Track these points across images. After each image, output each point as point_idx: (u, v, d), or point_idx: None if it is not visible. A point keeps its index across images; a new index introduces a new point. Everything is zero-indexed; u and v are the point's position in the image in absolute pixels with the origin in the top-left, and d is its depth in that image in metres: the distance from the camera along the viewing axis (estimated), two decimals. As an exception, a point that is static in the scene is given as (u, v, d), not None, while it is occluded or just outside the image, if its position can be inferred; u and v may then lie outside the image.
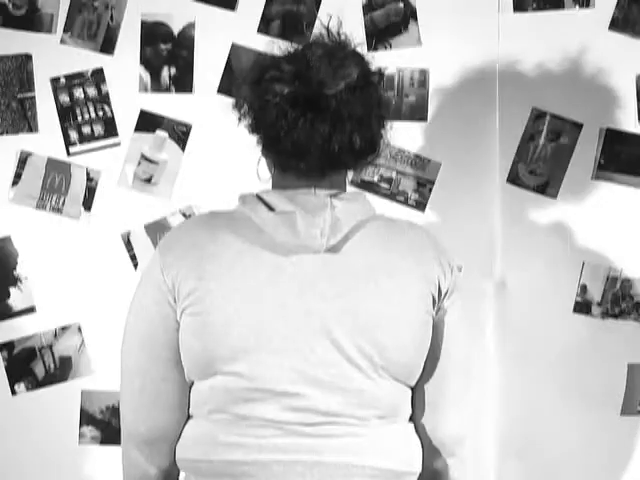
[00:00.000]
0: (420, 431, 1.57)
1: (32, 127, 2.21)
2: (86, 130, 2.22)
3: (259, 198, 1.51)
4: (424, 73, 2.22)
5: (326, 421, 1.46)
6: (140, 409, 1.54)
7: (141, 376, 1.53)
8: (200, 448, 1.49)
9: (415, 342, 1.51)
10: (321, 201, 1.48)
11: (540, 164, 2.22)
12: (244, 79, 1.55)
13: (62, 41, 2.21)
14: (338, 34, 1.54)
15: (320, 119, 1.46)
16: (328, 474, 1.45)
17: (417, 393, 1.57)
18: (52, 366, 2.21)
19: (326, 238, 1.46)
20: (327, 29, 1.54)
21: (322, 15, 2.17)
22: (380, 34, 2.22)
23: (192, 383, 1.54)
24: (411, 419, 1.57)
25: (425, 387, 1.57)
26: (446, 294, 1.55)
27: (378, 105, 1.54)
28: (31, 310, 2.21)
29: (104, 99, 2.22)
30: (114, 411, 2.19)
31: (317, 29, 1.56)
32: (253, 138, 1.54)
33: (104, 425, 2.20)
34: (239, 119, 1.55)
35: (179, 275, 1.49)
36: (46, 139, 2.21)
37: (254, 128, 1.54)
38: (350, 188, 1.58)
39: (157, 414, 1.53)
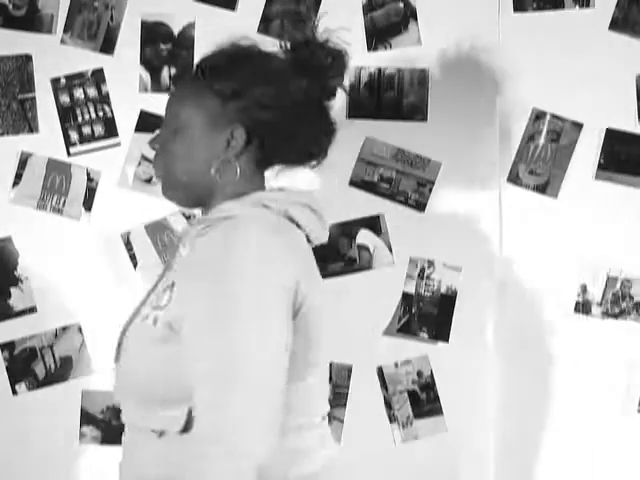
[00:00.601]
0: None
1: (32, 128, 2.21)
2: (86, 130, 2.22)
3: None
4: (424, 73, 2.22)
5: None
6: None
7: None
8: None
9: None
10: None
11: (540, 164, 2.22)
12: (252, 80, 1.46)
13: (62, 41, 2.22)
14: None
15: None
16: None
17: None
18: (53, 366, 2.21)
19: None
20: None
21: (322, 15, 2.18)
22: (380, 34, 2.22)
23: None
24: None
25: None
26: None
27: None
28: (32, 310, 2.21)
29: (104, 99, 2.22)
30: (114, 411, 2.20)
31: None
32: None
33: (104, 425, 2.20)
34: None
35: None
36: (46, 140, 2.21)
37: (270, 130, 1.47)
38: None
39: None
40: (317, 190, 2.11)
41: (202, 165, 1.46)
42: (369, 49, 2.21)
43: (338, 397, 2.19)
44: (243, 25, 2.22)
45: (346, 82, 1.52)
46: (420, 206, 2.22)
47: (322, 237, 1.51)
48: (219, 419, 1.26)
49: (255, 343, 1.29)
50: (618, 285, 2.21)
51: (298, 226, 1.45)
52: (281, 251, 1.35)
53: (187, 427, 1.34)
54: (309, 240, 1.48)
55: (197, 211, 2.18)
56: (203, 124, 1.45)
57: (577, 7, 2.20)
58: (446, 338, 2.21)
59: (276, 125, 1.45)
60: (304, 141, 1.49)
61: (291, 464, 1.37)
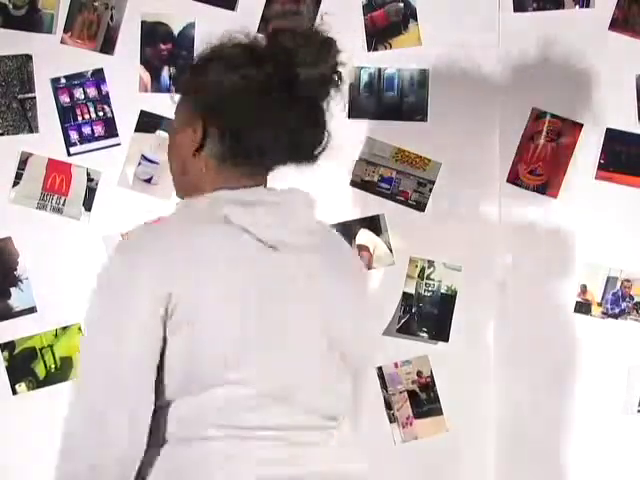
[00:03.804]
0: None
1: (33, 128, 2.21)
2: (86, 130, 2.22)
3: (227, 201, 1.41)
4: (424, 73, 2.22)
5: (326, 425, 1.43)
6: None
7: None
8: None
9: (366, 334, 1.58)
10: (303, 199, 1.45)
11: (540, 164, 2.22)
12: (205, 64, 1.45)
13: (62, 41, 2.22)
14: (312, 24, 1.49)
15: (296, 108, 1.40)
16: None
17: None
18: (53, 366, 2.21)
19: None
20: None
21: (322, 15, 2.19)
22: (380, 34, 2.22)
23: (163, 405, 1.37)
24: None
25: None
26: None
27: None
28: (32, 310, 2.21)
29: (104, 99, 2.22)
30: (115, 411, 2.20)
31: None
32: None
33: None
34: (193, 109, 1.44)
35: (174, 282, 1.33)
36: (46, 140, 2.21)
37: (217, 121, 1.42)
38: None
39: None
40: (316, 190, 2.11)
41: (180, 165, 1.47)
42: (369, 49, 2.21)
43: (338, 397, 2.19)
44: (243, 25, 2.22)
45: (339, 77, 1.43)
46: (420, 206, 2.22)
47: (285, 238, 1.40)
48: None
49: (89, 350, 1.37)
50: (618, 285, 2.21)
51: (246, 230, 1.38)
52: (149, 259, 1.35)
53: None
54: (263, 242, 1.38)
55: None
56: (178, 126, 1.47)
57: (577, 7, 2.20)
58: (446, 338, 2.21)
59: (231, 115, 1.41)
60: (266, 133, 1.40)
61: (176, 475, 1.35)
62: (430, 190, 2.22)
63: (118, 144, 2.23)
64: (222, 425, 1.35)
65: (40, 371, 2.21)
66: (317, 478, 1.38)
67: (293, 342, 1.39)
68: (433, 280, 2.21)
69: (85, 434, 1.38)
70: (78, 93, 2.22)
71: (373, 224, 2.21)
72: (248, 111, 1.40)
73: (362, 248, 2.21)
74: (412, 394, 2.21)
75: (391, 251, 2.21)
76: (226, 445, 1.35)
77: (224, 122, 1.41)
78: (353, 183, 2.20)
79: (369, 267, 2.20)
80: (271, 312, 1.37)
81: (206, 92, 1.42)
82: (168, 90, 2.23)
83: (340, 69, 1.44)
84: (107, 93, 2.22)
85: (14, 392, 2.21)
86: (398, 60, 2.22)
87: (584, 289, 2.21)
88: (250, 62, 1.41)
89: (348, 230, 2.19)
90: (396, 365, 2.21)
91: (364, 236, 2.21)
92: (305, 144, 1.44)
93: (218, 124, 1.41)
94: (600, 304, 2.21)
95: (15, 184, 2.21)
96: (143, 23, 2.22)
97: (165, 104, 2.20)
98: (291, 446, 1.37)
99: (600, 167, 2.21)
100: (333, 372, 1.43)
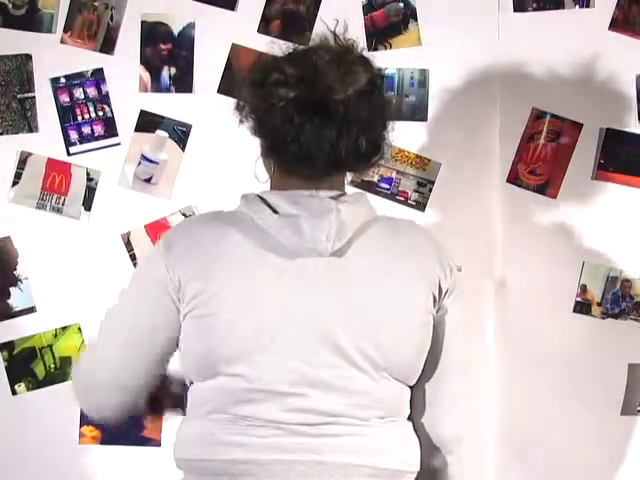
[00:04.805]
0: (419, 429, 1.57)
1: (32, 127, 2.21)
2: (86, 130, 2.22)
3: (261, 199, 1.51)
4: (424, 73, 2.22)
5: (327, 421, 1.46)
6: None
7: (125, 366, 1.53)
8: (199, 448, 1.49)
9: (416, 342, 1.51)
10: (325, 205, 1.47)
11: (540, 164, 2.22)
12: (246, 81, 1.53)
13: (62, 41, 2.21)
14: (344, 38, 1.53)
15: (327, 124, 1.45)
16: (328, 473, 1.45)
17: (416, 392, 1.57)
18: (52, 366, 2.21)
19: (332, 242, 1.45)
20: (334, 33, 1.54)
21: (322, 15, 2.19)
22: (380, 34, 2.22)
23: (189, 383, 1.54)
24: (409, 417, 1.57)
25: (425, 386, 1.57)
26: (446, 293, 1.55)
27: (383, 108, 1.54)
28: (31, 310, 2.21)
29: (104, 99, 2.22)
30: (114, 411, 2.20)
31: (319, 31, 1.56)
32: (253, 139, 1.54)
33: (105, 425, 2.20)
34: (240, 121, 1.55)
35: (185, 275, 1.47)
36: (46, 139, 2.21)
37: (257, 131, 1.53)
38: (350, 189, 1.58)
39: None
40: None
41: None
42: (369, 49, 2.21)
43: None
44: (243, 25, 2.23)
45: (376, 87, 1.50)
46: (420, 206, 2.22)
47: (293, 244, 1.46)
48: None
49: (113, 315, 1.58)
50: (618, 285, 2.21)
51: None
52: (171, 249, 1.50)
53: None
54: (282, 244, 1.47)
55: (197, 210, 2.20)
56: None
57: (577, 7, 2.20)
58: (446, 338, 2.21)
59: (256, 128, 1.53)
60: (300, 150, 1.47)
61: (195, 445, 1.49)
62: (430, 190, 2.22)
63: (118, 144, 2.23)
64: (219, 411, 1.47)
65: (40, 371, 2.21)
66: (301, 466, 1.44)
67: (290, 343, 1.45)
68: (433, 280, 2.20)
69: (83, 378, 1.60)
70: (78, 93, 2.22)
71: (373, 224, 2.21)
72: (279, 131, 1.47)
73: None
74: (412, 394, 2.21)
75: (391, 251, 2.21)
76: (216, 426, 1.47)
77: (261, 140, 1.52)
78: (353, 183, 2.20)
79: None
80: (276, 312, 1.46)
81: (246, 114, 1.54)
82: (168, 90, 2.23)
83: (377, 80, 1.51)
84: (107, 93, 2.22)
85: (14, 392, 2.21)
86: (398, 60, 2.22)
87: (584, 289, 2.21)
88: (278, 85, 1.46)
89: (348, 230, 2.18)
90: (396, 365, 2.21)
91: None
92: (342, 154, 1.48)
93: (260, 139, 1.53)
94: (600, 304, 2.21)
95: (14, 184, 2.21)
96: (143, 23, 2.22)
97: (165, 104, 2.23)
98: (282, 436, 1.45)
99: (600, 167, 2.21)
100: (340, 373, 1.46)
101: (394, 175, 2.22)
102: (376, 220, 1.54)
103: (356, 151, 1.49)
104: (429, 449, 1.59)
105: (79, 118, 2.22)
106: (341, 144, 1.46)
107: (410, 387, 1.55)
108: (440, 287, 1.54)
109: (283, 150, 1.48)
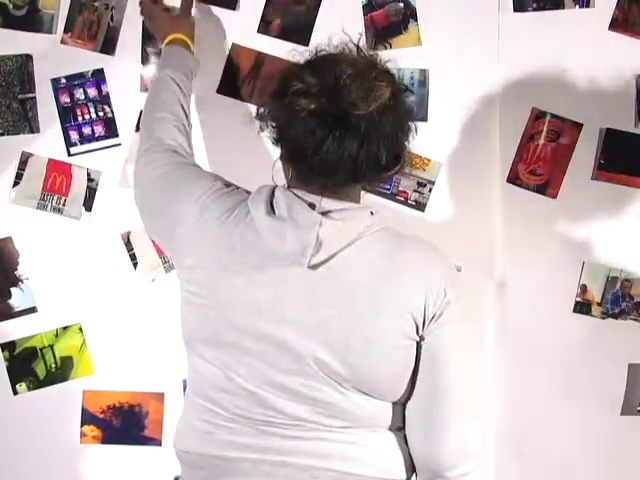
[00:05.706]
0: (414, 447, 1.57)
1: (33, 128, 2.21)
2: (87, 130, 2.22)
3: (272, 194, 1.52)
4: (424, 73, 2.22)
5: (293, 424, 1.48)
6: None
7: None
8: (189, 440, 1.57)
9: (389, 363, 1.50)
10: (311, 218, 1.47)
11: (540, 164, 2.22)
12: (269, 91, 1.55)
13: (62, 41, 2.22)
14: (367, 51, 1.54)
15: (349, 138, 1.45)
16: (293, 474, 1.47)
17: (408, 411, 1.57)
18: (53, 366, 2.21)
19: (309, 256, 1.46)
20: (357, 46, 1.54)
21: (323, 15, 2.19)
22: (380, 34, 2.22)
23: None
24: (400, 430, 1.58)
25: (416, 406, 1.56)
26: (433, 318, 1.53)
27: (405, 119, 1.54)
28: (32, 310, 2.21)
29: (105, 99, 2.22)
30: (115, 411, 2.20)
31: (338, 39, 1.58)
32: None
33: (105, 425, 2.21)
34: (260, 128, 1.55)
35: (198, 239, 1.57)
36: (47, 140, 2.21)
37: (278, 140, 1.54)
38: (364, 199, 1.58)
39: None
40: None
41: None
42: (369, 49, 2.20)
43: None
44: (243, 25, 2.22)
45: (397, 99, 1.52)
46: (420, 206, 2.22)
47: (276, 249, 1.49)
48: None
49: None
50: (618, 285, 2.21)
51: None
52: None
53: None
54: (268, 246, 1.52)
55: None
56: None
57: (577, 7, 2.20)
58: (446, 338, 2.21)
59: (277, 136, 1.55)
60: (318, 161, 1.48)
61: (180, 436, 1.61)
62: (430, 190, 2.22)
63: (118, 144, 2.23)
64: (198, 395, 1.56)
65: (40, 371, 2.21)
66: (267, 466, 1.50)
67: (257, 344, 1.50)
68: (433, 280, 2.20)
69: None
70: (78, 93, 2.22)
71: (373, 224, 2.21)
72: (300, 142, 1.48)
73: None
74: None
75: (391, 251, 2.21)
76: (194, 414, 1.56)
77: (281, 148, 1.56)
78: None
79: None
80: (247, 312, 1.50)
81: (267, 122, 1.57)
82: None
83: (400, 93, 1.53)
84: (107, 93, 2.22)
85: (15, 392, 2.21)
86: (398, 60, 2.21)
87: (584, 289, 2.21)
88: (299, 94, 1.47)
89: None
90: (396, 365, 2.21)
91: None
92: (363, 166, 1.49)
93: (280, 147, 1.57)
94: (600, 304, 2.21)
95: (15, 184, 2.22)
96: (143, 23, 2.22)
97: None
98: (251, 435, 1.51)
99: (600, 167, 2.21)
100: (303, 381, 1.49)
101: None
102: (379, 235, 1.54)
103: (377, 163, 1.49)
104: (422, 470, 1.58)
105: (80, 118, 2.22)
106: (361, 157, 1.46)
107: (403, 403, 1.56)
108: (425, 312, 1.51)
109: (303, 160, 1.49)
